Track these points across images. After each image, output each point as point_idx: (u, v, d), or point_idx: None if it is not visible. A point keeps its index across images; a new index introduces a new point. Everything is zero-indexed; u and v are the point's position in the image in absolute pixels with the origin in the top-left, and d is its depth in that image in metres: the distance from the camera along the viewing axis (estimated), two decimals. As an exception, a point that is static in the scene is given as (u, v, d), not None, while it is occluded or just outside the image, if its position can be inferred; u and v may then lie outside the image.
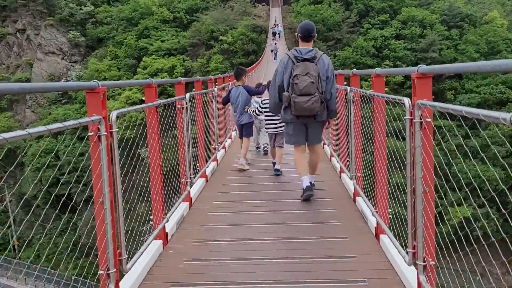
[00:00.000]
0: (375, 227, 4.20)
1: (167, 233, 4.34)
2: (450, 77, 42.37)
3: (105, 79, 44.54)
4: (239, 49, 46.07)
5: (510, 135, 34.53)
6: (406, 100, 2.97)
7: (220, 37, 46.87)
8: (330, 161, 7.99)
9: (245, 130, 7.76)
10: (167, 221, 4.33)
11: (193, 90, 6.83)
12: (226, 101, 8.18)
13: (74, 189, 34.94)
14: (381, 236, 3.99)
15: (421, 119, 2.76)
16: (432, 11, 49.37)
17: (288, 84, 5.00)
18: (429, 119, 2.73)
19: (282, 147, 7.02)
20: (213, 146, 8.08)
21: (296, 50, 5.08)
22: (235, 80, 8.14)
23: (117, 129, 3.01)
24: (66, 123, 2.47)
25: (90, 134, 2.77)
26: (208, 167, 7.17)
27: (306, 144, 5.45)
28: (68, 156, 37.65)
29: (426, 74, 2.81)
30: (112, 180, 2.94)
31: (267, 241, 4.27)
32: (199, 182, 6.40)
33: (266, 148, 8.61)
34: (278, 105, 5.25)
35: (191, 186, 5.63)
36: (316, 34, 5.24)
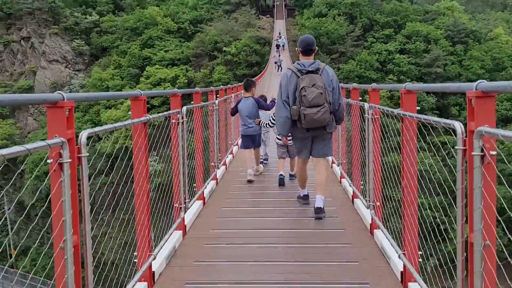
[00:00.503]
0: (402, 272, 3.53)
1: (153, 272, 3.70)
2: (455, 92, 42.04)
3: (107, 88, 44.52)
4: (242, 61, 45.97)
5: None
6: (458, 125, 2.38)
7: (224, 48, 46.82)
8: (340, 182, 7.28)
9: (255, 141, 7.76)
10: (154, 258, 3.71)
11: (192, 102, 6.62)
12: (234, 111, 8.09)
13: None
14: (410, 284, 3.39)
15: (483, 151, 2.08)
16: (436, 27, 49.32)
17: (294, 98, 4.94)
18: (494, 153, 2.06)
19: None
20: (213, 164, 7.55)
21: (298, 64, 5.04)
22: (243, 91, 8.15)
23: (87, 154, 2.44)
24: (125, 122, 2.66)
25: (49, 161, 2.19)
26: (206, 187, 6.61)
27: (312, 158, 5.40)
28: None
29: (489, 93, 2.16)
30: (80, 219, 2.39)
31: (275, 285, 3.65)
32: (195, 206, 5.82)
33: (265, 159, 8.89)
34: (288, 122, 5.10)
35: (185, 212, 5.07)
36: (317, 48, 5.21)
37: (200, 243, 4.78)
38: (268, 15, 59.27)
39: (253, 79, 21.10)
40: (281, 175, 7.14)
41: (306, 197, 5.77)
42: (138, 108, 3.62)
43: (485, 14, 61.73)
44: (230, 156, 9.77)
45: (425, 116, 2.91)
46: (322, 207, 5.17)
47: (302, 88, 4.83)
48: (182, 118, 4.89)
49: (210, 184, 7.04)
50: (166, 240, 4.30)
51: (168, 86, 41.54)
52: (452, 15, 53.49)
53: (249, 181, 7.43)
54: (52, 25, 52.62)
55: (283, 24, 54.60)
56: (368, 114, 4.77)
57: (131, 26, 51.35)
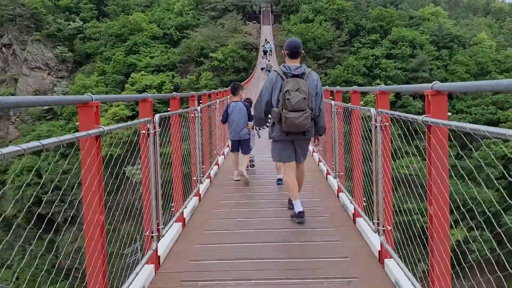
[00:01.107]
0: None
1: None
2: (417, 91, 42.18)
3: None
4: (229, 66, 45.59)
5: (502, 156, 34.23)
6: (372, 110, 4.08)
7: (210, 54, 46.41)
8: (338, 197, 6.36)
9: (244, 146, 7.63)
10: None
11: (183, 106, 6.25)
12: (225, 118, 7.71)
13: (57, 208, 33.71)
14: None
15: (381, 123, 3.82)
16: (421, 32, 49.68)
17: (277, 100, 4.88)
18: (386, 123, 3.81)
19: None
20: (195, 178, 6.53)
21: (284, 67, 4.98)
22: (230, 95, 8.18)
23: (159, 129, 3.85)
24: (62, 137, 2.22)
25: (142, 132, 3.49)
26: (186, 207, 5.55)
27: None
28: (51, 174, 36.46)
29: (441, 92, 2.79)
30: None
31: None
32: (172, 230, 4.77)
33: (252, 162, 8.74)
34: (263, 120, 5.24)
35: (158, 241, 4.05)
36: (303, 51, 5.13)
37: (175, 280, 3.79)
38: (255, 21, 59.14)
39: (242, 83, 20.96)
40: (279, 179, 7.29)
41: (301, 214, 5.10)
42: (146, 109, 3.96)
43: (468, 20, 62.46)
44: (215, 168, 8.76)
45: (359, 107, 4.27)
46: (302, 210, 5.17)
47: (286, 91, 4.77)
48: (154, 128, 4.01)
49: (192, 202, 6.03)
50: (133, 279, 3.44)
51: (154, 93, 40.87)
52: (436, 20, 53.99)
53: (238, 180, 7.46)
54: (34, 31, 51.59)
55: (270, 30, 54.46)
56: (376, 121, 3.94)
57: (115, 32, 50.63)
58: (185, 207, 5.50)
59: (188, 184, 6.14)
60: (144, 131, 3.90)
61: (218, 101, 10.03)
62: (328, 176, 7.50)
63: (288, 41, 5.14)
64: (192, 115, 6.71)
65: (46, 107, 44.78)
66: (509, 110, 39.43)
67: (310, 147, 8.33)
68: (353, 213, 5.25)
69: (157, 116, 4.18)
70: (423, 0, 69.62)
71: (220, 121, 8.70)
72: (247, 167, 8.04)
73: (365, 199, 4.99)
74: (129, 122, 3.93)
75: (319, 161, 8.91)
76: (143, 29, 50.87)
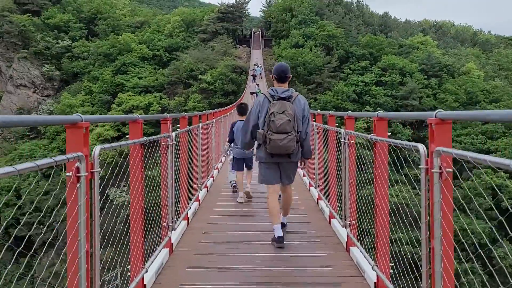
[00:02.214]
0: (375, 282, 3.77)
1: (145, 285, 3.73)
2: (420, 118, 42.08)
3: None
4: (218, 89, 45.13)
5: (492, 187, 33.84)
6: (421, 147, 2.75)
7: (200, 76, 45.98)
8: (317, 204, 7.21)
9: (249, 162, 7.81)
10: (146, 271, 3.72)
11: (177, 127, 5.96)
12: (232, 138, 7.88)
13: (35, 231, 32.39)
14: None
15: (440, 168, 2.51)
16: (411, 60, 49.98)
17: (263, 122, 4.90)
18: (450, 170, 2.50)
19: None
20: (164, 225, 4.89)
21: (272, 90, 5.01)
22: (237, 115, 8.19)
23: (99, 169, 2.74)
24: (39, 161, 2.03)
25: (67, 174, 2.47)
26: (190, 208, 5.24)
27: (280, 183, 5.25)
28: (30, 194, 35.22)
29: (445, 120, 2.61)
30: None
31: None
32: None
33: (234, 185, 8.54)
34: (250, 142, 5.23)
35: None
36: (291, 75, 5.20)
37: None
38: (245, 45, 59.15)
39: (228, 107, 20.44)
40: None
41: (281, 240, 5.08)
42: (136, 130, 3.93)
43: (456, 50, 63.30)
44: (195, 204, 7.57)
45: (394, 140, 3.30)
46: (285, 223, 5.56)
47: (271, 114, 4.80)
48: (92, 168, 3.53)
49: (161, 256, 5.04)
50: (156, 256, 4.25)
51: (141, 114, 40.01)
52: (425, 49, 54.52)
53: (240, 203, 7.46)
54: (22, 49, 50.86)
55: (260, 54, 54.40)
56: (344, 139, 4.93)
57: (104, 52, 50.12)
58: (189, 209, 5.63)
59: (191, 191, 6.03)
60: (164, 143, 4.70)
61: (214, 121, 10.31)
62: (311, 187, 8.21)
63: (276, 66, 5.20)
64: (163, 143, 5.51)
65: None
66: (498, 140, 39.32)
67: (301, 171, 8.49)
68: (329, 216, 6.20)
69: (97, 149, 3.30)
70: (412, 29, 70.72)
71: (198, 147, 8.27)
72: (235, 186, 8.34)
73: (338, 204, 5.72)
74: (156, 136, 4.46)
75: (310, 185, 8.67)
76: (133, 49, 50.46)
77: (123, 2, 64.41)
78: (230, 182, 8.61)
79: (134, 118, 3.86)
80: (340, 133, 5.19)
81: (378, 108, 42.60)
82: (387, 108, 42.55)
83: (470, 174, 2.81)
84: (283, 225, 5.32)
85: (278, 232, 5.07)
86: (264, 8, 66.91)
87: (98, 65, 49.68)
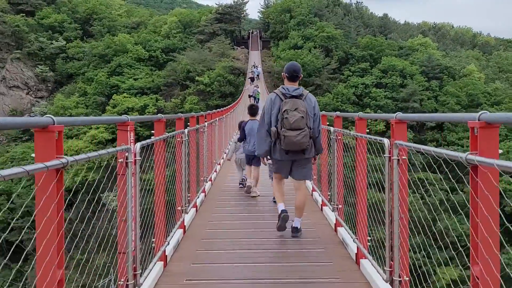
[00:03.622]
0: (356, 253, 4.45)
1: (166, 255, 4.26)
2: (432, 128, 41.41)
3: (71, 116, 41.77)
4: (215, 91, 44.28)
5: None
6: (386, 140, 3.51)
7: (197, 78, 45.10)
8: (312, 195, 7.84)
9: (258, 160, 7.90)
10: (168, 244, 4.32)
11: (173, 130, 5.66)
12: (244, 137, 8.19)
13: (26, 235, 31.47)
14: (362, 261, 4.20)
15: (398, 156, 3.29)
16: (411, 62, 49.26)
17: (276, 119, 5.02)
18: (405, 157, 3.29)
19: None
20: (179, 208, 5.52)
21: (283, 88, 5.13)
22: (249, 116, 8.40)
23: (139, 158, 3.40)
24: (90, 154, 2.28)
25: (120, 160, 3.12)
26: (169, 243, 4.74)
27: (293, 180, 5.42)
28: (22, 198, 34.29)
29: (402, 121, 3.44)
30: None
31: None
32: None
33: (244, 183, 8.59)
34: (267, 142, 5.17)
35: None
36: (302, 75, 5.35)
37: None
38: (243, 46, 58.35)
39: (225, 108, 19.73)
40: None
41: (284, 211, 5.25)
42: (160, 128, 4.41)
43: (456, 52, 62.69)
44: (202, 195, 7.89)
45: (369, 135, 4.17)
46: (299, 227, 5.40)
47: (284, 111, 4.91)
48: (134, 156, 4.08)
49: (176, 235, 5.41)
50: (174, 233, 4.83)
51: (136, 115, 39.17)
52: (425, 51, 53.84)
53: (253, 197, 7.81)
54: (15, 49, 49.87)
55: (258, 55, 53.58)
56: (333, 136, 5.60)
57: (99, 53, 49.20)
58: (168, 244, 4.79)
59: (172, 216, 5.47)
60: (121, 160, 3.45)
61: (206, 124, 9.94)
62: (314, 192, 8.23)
63: (288, 64, 5.33)
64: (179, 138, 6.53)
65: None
66: (501, 143, 38.55)
67: (309, 184, 8.42)
68: (321, 204, 6.87)
69: (138, 145, 3.80)
70: (412, 31, 70.10)
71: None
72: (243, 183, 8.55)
73: (329, 193, 6.22)
74: (173, 133, 5.02)
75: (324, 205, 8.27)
76: (128, 50, 49.56)
77: (119, 3, 63.52)
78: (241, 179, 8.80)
79: (123, 120, 3.62)
80: (330, 131, 5.86)
81: (379, 110, 41.82)
82: (387, 111, 41.72)
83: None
84: (296, 230, 5.34)
85: (280, 207, 5.31)
86: (262, 9, 66.12)
87: (93, 66, 48.77)
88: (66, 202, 2.45)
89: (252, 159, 8.07)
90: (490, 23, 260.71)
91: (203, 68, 46.45)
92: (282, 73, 5.34)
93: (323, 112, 8.20)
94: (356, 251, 4.42)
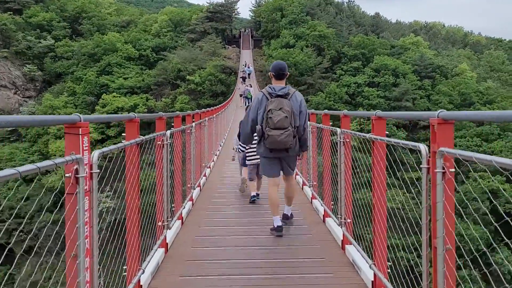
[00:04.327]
0: (372, 281, 3.66)
1: (141, 286, 3.63)
2: (425, 127, 41.23)
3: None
4: (207, 90, 43.71)
5: (490, 190, 32.93)
6: (422, 147, 2.72)
7: (187, 77, 44.50)
8: (311, 203, 7.09)
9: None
10: (143, 272, 3.59)
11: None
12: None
13: (16, 238, 30.96)
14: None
15: (443, 168, 2.49)
16: (403, 61, 49.08)
17: (262, 118, 5.10)
18: (453, 170, 2.49)
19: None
20: (160, 224, 4.80)
21: (270, 87, 5.22)
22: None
23: (97, 171, 2.53)
24: (39, 164, 1.90)
25: (67, 175, 2.33)
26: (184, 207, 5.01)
27: (281, 175, 5.46)
28: (9, 200, 33.66)
29: (448, 121, 2.59)
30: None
31: None
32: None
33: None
34: (249, 135, 5.38)
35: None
36: (288, 73, 5.44)
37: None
38: (234, 45, 57.85)
39: (217, 107, 19.30)
40: (253, 196, 7.34)
41: (280, 229, 5.39)
42: (133, 130, 3.64)
43: (448, 51, 62.71)
44: (189, 204, 7.47)
45: (394, 139, 3.30)
46: (289, 215, 5.62)
47: (269, 111, 4.98)
48: (167, 140, 4.70)
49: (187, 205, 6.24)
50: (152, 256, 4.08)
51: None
52: (417, 50, 53.73)
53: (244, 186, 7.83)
54: (2, 48, 48.90)
55: (249, 54, 53.12)
56: (340, 138, 4.95)
57: (88, 52, 48.38)
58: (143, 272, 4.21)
59: (152, 234, 4.78)
60: (160, 142, 4.49)
61: (207, 119, 10.24)
62: (304, 186, 8.12)
63: (274, 63, 5.48)
64: (188, 131, 7.10)
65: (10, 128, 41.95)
66: (494, 142, 38.47)
67: (300, 179, 8.63)
68: (323, 215, 6.06)
69: (168, 132, 4.86)
70: (403, 30, 70.07)
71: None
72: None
73: (333, 202, 5.74)
74: (151, 135, 4.32)
75: (304, 184, 8.52)
76: (118, 49, 48.80)
77: (108, 1, 62.66)
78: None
79: (131, 117, 3.56)
80: (336, 132, 5.22)
81: (372, 110, 41.59)
82: (380, 110, 41.53)
83: (475, 175, 2.82)
84: (286, 217, 5.53)
85: (277, 222, 5.40)
86: (253, 8, 65.64)
87: (82, 65, 47.96)
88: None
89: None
90: (481, 22, 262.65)
91: (194, 67, 45.87)
92: (269, 73, 5.44)
93: (312, 110, 8.30)
94: (373, 279, 3.64)
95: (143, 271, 3.74)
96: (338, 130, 5.16)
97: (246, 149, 7.57)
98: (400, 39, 59.54)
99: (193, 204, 7.11)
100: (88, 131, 2.51)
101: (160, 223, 4.76)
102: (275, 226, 5.37)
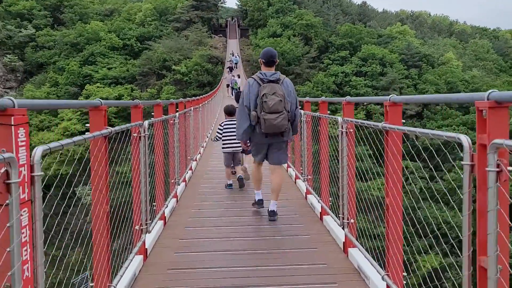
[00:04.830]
0: None
1: None
2: (411, 116, 41.30)
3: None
4: (193, 80, 43.07)
5: (474, 178, 33.12)
6: (464, 138, 2.13)
7: (173, 67, 43.77)
8: (306, 198, 6.58)
9: (236, 157, 7.77)
10: None
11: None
12: (219, 137, 8.02)
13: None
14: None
15: (498, 166, 1.85)
16: (391, 50, 48.99)
17: (255, 104, 5.10)
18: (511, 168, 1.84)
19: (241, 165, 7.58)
20: (137, 228, 4.23)
21: (260, 73, 5.24)
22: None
23: (41, 173, 1.97)
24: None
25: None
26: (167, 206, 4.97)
27: (269, 164, 5.49)
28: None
29: (502, 104, 1.98)
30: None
31: None
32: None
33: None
34: (248, 130, 5.23)
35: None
36: (278, 60, 5.42)
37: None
38: (221, 35, 57.07)
39: (202, 97, 18.92)
40: (230, 184, 7.42)
41: (260, 202, 5.79)
42: (99, 119, 3.01)
43: (434, 40, 62.83)
44: (172, 202, 6.83)
45: (421, 129, 2.62)
46: (275, 210, 5.42)
47: (263, 95, 5.00)
48: (144, 131, 4.22)
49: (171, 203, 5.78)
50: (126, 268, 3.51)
51: (110, 107, 37.74)
52: (404, 39, 53.69)
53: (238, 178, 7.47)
54: (-19, 38, 47.53)
55: (236, 44, 52.46)
56: (342, 128, 4.44)
57: (71, 41, 47.25)
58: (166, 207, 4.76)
59: (127, 239, 4.30)
60: (136, 134, 3.90)
61: (192, 109, 9.79)
62: (297, 180, 7.68)
63: (264, 50, 5.43)
64: (171, 121, 6.71)
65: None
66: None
67: (293, 172, 8.43)
68: (320, 212, 5.56)
69: (146, 122, 4.34)
70: (390, 19, 69.98)
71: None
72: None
73: (331, 199, 5.47)
74: (127, 125, 3.76)
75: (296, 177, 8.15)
76: (101, 38, 47.74)
77: (91, -11, 61.17)
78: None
79: (96, 104, 3.01)
80: (337, 121, 4.65)
81: (359, 99, 41.53)
82: (367, 99, 41.48)
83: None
84: (274, 213, 5.38)
85: (258, 196, 5.77)
86: (240, -4, 64.76)
87: (64, 55, 46.85)
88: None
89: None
90: (466, 11, 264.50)
91: (180, 57, 45.12)
92: (259, 59, 5.43)
93: (307, 98, 8.18)
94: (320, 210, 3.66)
95: None
96: (339, 119, 4.62)
97: (221, 136, 7.50)
98: (387, 28, 59.41)
99: (177, 201, 6.51)
100: (26, 121, 1.87)
101: (137, 227, 4.17)
102: (256, 200, 5.79)
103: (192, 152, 9.69)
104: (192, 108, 10.33)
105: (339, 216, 4.49)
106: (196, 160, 10.36)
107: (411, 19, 75.45)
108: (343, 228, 4.37)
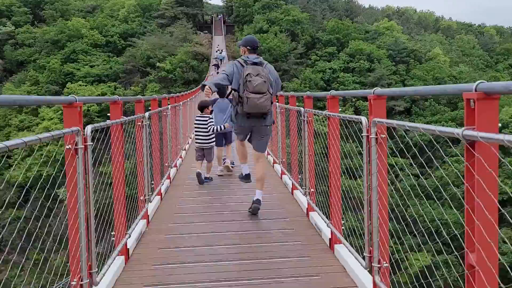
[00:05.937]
0: (330, 238, 4.28)
1: (128, 249, 4.09)
2: (400, 112, 40.99)
3: (20, 107, 38.83)
4: (178, 77, 42.15)
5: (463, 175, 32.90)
6: (363, 119, 3.14)
7: (158, 64, 42.80)
8: (281, 178, 7.69)
9: (229, 137, 8.15)
10: (129, 236, 4.07)
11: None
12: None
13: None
14: (336, 246, 4.12)
15: (376, 135, 2.96)
16: (378, 46, 48.65)
17: (238, 84, 5.15)
18: (384, 135, 2.96)
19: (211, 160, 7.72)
20: (142, 198, 5.20)
21: (244, 57, 5.32)
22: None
23: (92, 143, 3.07)
24: (41, 135, 2.25)
25: (67, 147, 2.88)
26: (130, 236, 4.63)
27: (254, 150, 5.62)
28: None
29: (381, 96, 3.08)
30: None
31: None
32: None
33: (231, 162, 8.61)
34: (219, 84, 5.31)
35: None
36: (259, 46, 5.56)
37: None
38: (206, 31, 56.13)
39: (187, 93, 18.22)
40: (198, 172, 7.41)
41: (247, 176, 5.98)
42: (73, 117, 3.09)
43: (421, 36, 62.72)
44: (180, 160, 9.27)
45: (344, 115, 4.00)
46: (260, 199, 5.54)
47: (247, 75, 5.06)
48: (85, 141, 3.93)
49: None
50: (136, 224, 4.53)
51: (93, 105, 36.70)
52: (391, 35, 53.41)
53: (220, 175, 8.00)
54: (-43, 35, 46.00)
55: (222, 40, 51.60)
56: (304, 117, 5.45)
57: (51, 39, 45.95)
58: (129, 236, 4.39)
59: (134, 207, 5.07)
60: (69, 146, 3.05)
61: (169, 107, 9.71)
62: (275, 164, 8.71)
63: (246, 37, 5.53)
64: (164, 114, 7.69)
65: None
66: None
67: (271, 158, 9.21)
68: (291, 188, 6.65)
69: (147, 113, 5.41)
70: (377, 15, 69.72)
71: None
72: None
73: (300, 176, 6.17)
74: (133, 116, 4.90)
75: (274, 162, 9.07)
76: (83, 35, 46.52)
77: (72, -15, 59.68)
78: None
79: (70, 101, 3.18)
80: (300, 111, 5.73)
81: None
82: (356, 95, 41.00)
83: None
84: (258, 201, 5.46)
85: (245, 170, 5.99)
86: (225, -8, 63.81)
87: (45, 53, 45.55)
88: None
89: (223, 137, 8.01)
90: (451, 7, 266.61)
91: (165, 53, 44.16)
92: (241, 47, 5.40)
93: (292, 92, 8.66)
94: (330, 236, 4.15)
95: (129, 236, 4.14)
96: (302, 109, 5.63)
97: (195, 130, 7.70)
98: (373, 24, 59.08)
99: (170, 182, 7.53)
100: (82, 110, 3.04)
101: (142, 197, 5.12)
102: (243, 174, 5.98)
103: (181, 142, 10.51)
104: (181, 102, 10.98)
105: (303, 188, 5.57)
106: (185, 149, 11.16)
107: (397, 15, 75.27)
108: (305, 196, 5.32)
